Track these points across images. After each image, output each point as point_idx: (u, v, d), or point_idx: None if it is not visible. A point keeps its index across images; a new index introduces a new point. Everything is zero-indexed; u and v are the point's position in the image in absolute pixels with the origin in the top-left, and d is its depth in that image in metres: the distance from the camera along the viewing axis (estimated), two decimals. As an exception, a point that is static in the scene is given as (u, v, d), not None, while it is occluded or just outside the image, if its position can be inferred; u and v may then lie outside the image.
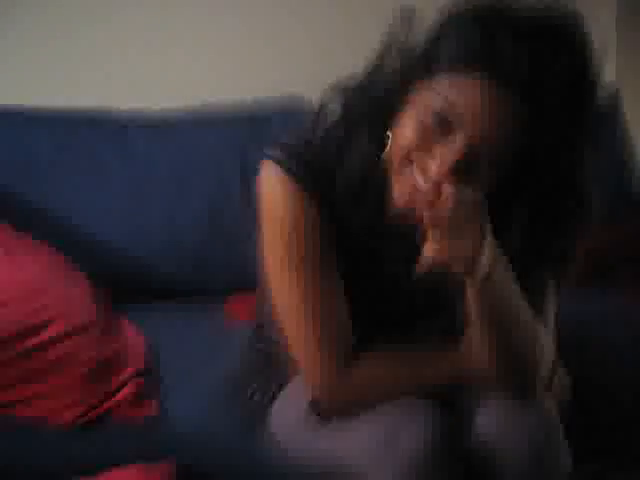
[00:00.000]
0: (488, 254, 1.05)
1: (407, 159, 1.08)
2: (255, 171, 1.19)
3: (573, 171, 1.12)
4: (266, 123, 2.10)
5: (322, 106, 1.21)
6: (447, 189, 1.03)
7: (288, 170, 1.15)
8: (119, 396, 1.37)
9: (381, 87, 1.14)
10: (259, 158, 1.18)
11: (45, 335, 1.44)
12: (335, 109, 1.21)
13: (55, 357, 1.42)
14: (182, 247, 1.96)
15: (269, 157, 1.17)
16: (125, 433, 1.31)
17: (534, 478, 1.11)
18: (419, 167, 1.07)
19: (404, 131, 1.08)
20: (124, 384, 1.40)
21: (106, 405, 1.35)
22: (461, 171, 1.05)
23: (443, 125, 1.04)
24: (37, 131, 1.99)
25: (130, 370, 1.44)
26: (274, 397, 1.33)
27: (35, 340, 1.42)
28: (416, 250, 1.10)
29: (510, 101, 1.02)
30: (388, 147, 1.11)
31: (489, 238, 1.05)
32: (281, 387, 1.33)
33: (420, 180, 1.06)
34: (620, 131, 2.49)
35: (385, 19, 1.16)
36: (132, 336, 1.59)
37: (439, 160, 1.05)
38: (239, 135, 2.08)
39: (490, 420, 1.14)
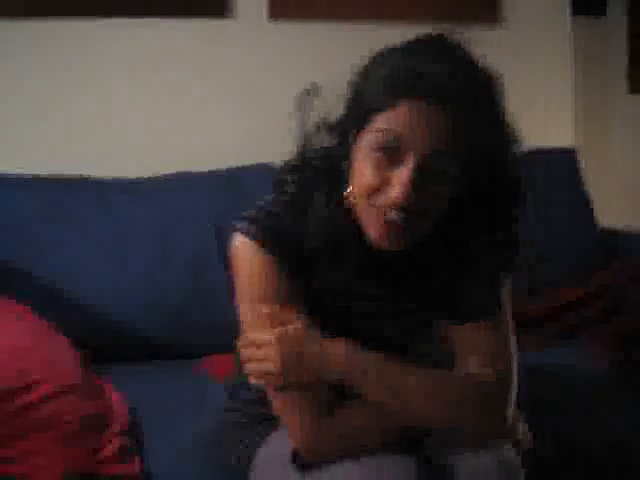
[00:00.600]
0: (333, 364, 1.20)
1: (371, 197, 1.18)
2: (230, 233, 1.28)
3: (505, 170, 1.24)
4: (239, 188, 2.19)
5: (278, 181, 1.33)
6: (267, 339, 1.20)
7: (256, 238, 1.25)
8: (104, 454, 1.40)
9: (322, 154, 1.28)
10: (232, 225, 1.28)
11: (29, 397, 1.46)
12: (291, 181, 1.32)
13: (39, 417, 1.44)
14: (163, 309, 2.01)
15: (239, 228, 1.28)
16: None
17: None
18: (384, 199, 1.16)
19: (361, 174, 1.18)
20: (108, 442, 1.43)
21: (90, 464, 1.38)
22: (420, 188, 1.15)
23: (393, 153, 1.15)
24: (20, 196, 2.04)
25: (114, 429, 1.48)
26: (254, 454, 1.38)
27: (19, 402, 1.44)
28: (382, 307, 1.20)
29: (441, 113, 1.14)
30: (351, 199, 1.22)
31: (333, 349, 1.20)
32: (261, 441, 1.39)
33: (390, 213, 1.16)
34: (580, 191, 2.61)
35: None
36: (114, 397, 1.63)
37: (398, 184, 1.15)
38: (215, 199, 2.16)
39: (458, 465, 1.21)
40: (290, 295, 1.26)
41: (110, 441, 1.44)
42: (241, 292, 1.28)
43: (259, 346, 1.22)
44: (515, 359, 1.28)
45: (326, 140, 1.29)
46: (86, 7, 2.27)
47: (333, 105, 1.27)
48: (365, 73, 1.23)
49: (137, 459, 1.44)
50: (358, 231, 1.23)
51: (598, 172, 2.90)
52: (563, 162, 2.64)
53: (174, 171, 2.22)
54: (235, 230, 1.28)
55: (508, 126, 1.23)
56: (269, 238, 1.25)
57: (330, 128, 1.28)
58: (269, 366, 1.21)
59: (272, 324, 1.22)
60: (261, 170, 2.24)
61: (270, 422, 1.37)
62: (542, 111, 2.81)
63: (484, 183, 1.22)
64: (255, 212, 1.29)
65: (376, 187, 1.17)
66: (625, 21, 3.03)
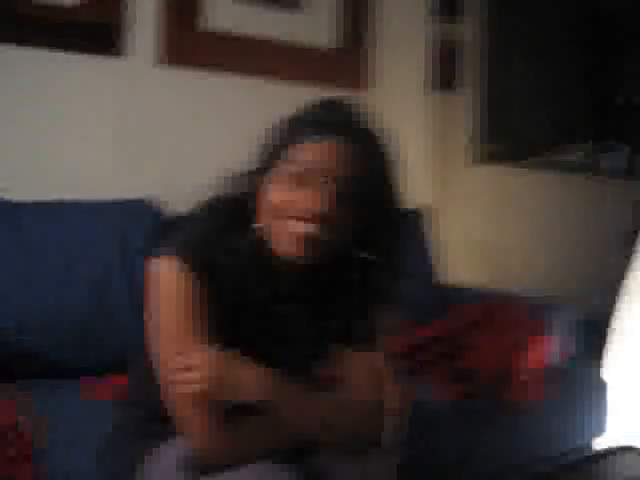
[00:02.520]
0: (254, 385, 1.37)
1: (280, 212, 1.41)
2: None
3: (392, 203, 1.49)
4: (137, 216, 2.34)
5: (194, 210, 1.52)
6: (200, 355, 1.35)
7: (174, 257, 1.42)
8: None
9: (233, 197, 1.49)
10: (155, 249, 1.44)
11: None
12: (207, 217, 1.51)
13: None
14: (67, 325, 2.11)
15: (162, 252, 1.44)
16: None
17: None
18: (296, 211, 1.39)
19: (272, 199, 1.42)
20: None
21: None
22: (325, 203, 1.38)
23: (301, 180, 1.39)
24: None
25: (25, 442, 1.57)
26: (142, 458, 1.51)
27: None
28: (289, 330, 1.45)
29: (342, 149, 1.40)
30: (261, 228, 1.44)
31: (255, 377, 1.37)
32: (146, 454, 1.51)
33: (299, 226, 1.39)
34: (424, 243, 2.91)
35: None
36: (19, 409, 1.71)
37: (306, 197, 1.38)
38: (120, 222, 2.29)
39: (342, 475, 1.42)
40: (207, 314, 1.42)
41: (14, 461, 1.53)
42: (158, 309, 1.43)
43: (186, 369, 1.36)
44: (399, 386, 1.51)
45: (235, 186, 1.51)
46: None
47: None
48: (277, 123, 1.47)
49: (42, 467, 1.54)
50: (266, 262, 1.45)
51: (441, 231, 3.22)
52: (409, 222, 2.94)
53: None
54: (158, 254, 1.43)
55: (393, 170, 1.49)
56: (188, 262, 1.41)
57: (241, 174, 1.50)
58: (195, 387, 1.35)
59: (187, 346, 1.38)
60: (138, 206, 2.39)
61: (155, 438, 1.51)
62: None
63: (375, 214, 1.47)
64: (176, 241, 1.45)
65: (286, 207, 1.40)
66: (474, 98, 3.40)
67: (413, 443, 1.59)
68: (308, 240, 1.39)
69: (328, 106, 1.48)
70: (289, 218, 1.40)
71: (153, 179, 2.56)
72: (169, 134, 2.65)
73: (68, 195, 2.30)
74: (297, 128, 1.44)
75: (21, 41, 2.35)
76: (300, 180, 1.40)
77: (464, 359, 2.35)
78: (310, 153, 1.40)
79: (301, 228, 1.39)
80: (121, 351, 2.00)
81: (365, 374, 1.48)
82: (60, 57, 2.43)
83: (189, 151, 2.67)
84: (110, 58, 2.52)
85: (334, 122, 1.43)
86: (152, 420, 1.53)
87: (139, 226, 2.29)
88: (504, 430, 2.30)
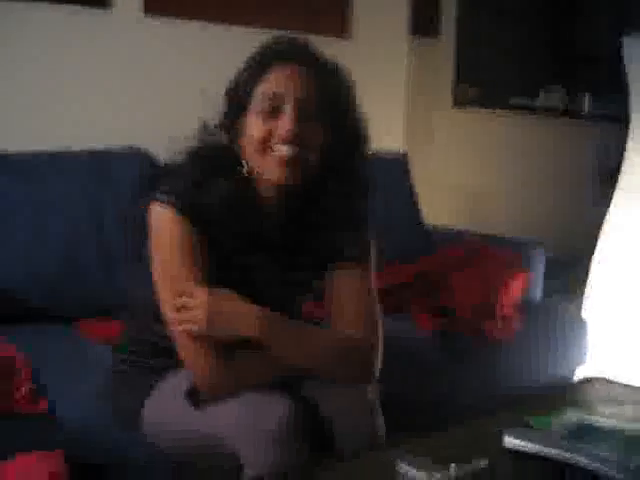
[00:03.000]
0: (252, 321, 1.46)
1: (262, 144, 1.51)
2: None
3: (357, 130, 1.61)
4: (111, 169, 2.38)
5: (179, 158, 1.60)
6: (199, 296, 1.44)
7: (174, 207, 1.50)
8: (16, 396, 1.58)
9: (217, 144, 1.59)
10: (153, 196, 1.52)
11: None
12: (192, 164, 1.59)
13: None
14: (39, 278, 2.17)
15: (158, 199, 1.52)
16: (23, 427, 1.54)
17: (361, 440, 1.50)
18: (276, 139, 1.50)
19: (251, 133, 1.52)
20: (18, 386, 1.61)
21: (5, 404, 1.56)
22: (300, 127, 1.49)
23: (274, 109, 1.50)
24: None
25: (22, 375, 1.65)
26: (144, 397, 1.60)
27: None
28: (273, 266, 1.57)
29: (304, 72, 1.53)
30: (243, 149, 1.54)
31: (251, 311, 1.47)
32: (150, 387, 1.61)
33: (282, 149, 1.50)
34: (409, 186, 3.00)
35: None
36: (10, 350, 1.78)
37: (283, 123, 1.49)
38: (89, 179, 2.33)
39: (331, 403, 1.51)
40: (201, 256, 1.51)
41: (19, 386, 1.61)
42: (159, 253, 1.52)
43: (187, 308, 1.45)
44: (380, 321, 1.60)
45: (218, 135, 1.59)
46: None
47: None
48: (244, 63, 1.58)
49: (44, 401, 1.62)
50: (251, 200, 1.55)
51: (423, 176, 3.30)
52: (395, 165, 3.01)
53: (53, 145, 2.34)
54: (155, 200, 1.52)
55: (352, 93, 1.61)
56: (184, 208, 1.50)
57: (220, 122, 1.58)
58: (196, 326, 1.45)
59: (186, 286, 1.47)
60: (131, 152, 2.45)
61: (157, 373, 1.60)
62: (377, 119, 3.16)
63: (342, 139, 1.57)
64: (169, 187, 1.53)
65: (266, 137, 1.50)
66: (454, 43, 3.46)
67: (395, 377, 1.69)
68: (290, 161, 1.50)
69: (285, 40, 1.59)
70: (271, 147, 1.50)
71: (141, 128, 2.60)
72: (156, 84, 2.69)
73: (57, 145, 2.34)
74: (257, 64, 1.54)
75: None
76: (272, 109, 1.50)
77: (445, 294, 2.45)
78: (274, 83, 1.51)
79: (283, 151, 1.49)
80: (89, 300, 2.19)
81: (352, 297, 1.59)
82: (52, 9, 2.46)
83: (174, 101, 2.69)
84: (97, 10, 2.55)
85: (292, 51, 1.56)
86: (153, 356, 1.62)
87: (133, 174, 2.35)
88: (486, 363, 2.41)
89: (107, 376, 1.71)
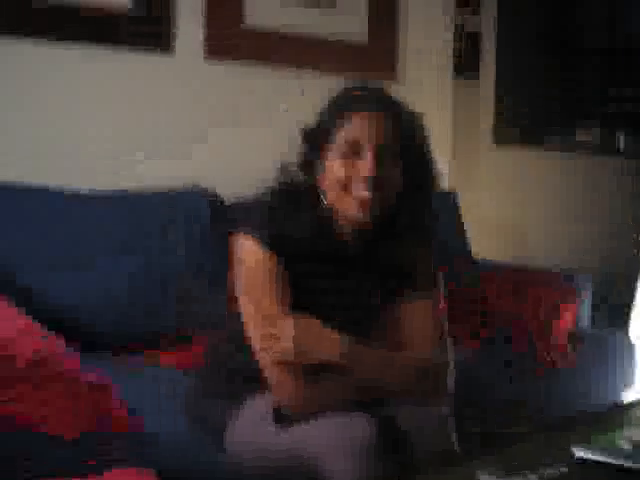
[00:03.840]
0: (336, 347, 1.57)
1: (342, 184, 1.63)
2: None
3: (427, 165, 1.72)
4: (183, 206, 2.53)
5: (264, 194, 1.73)
6: (287, 326, 1.56)
7: (258, 237, 1.63)
8: (113, 414, 1.68)
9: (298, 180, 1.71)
10: (238, 229, 1.65)
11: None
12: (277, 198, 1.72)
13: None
14: (118, 307, 2.30)
15: (244, 231, 1.65)
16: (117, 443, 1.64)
17: (437, 453, 1.59)
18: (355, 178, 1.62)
19: (333, 169, 1.64)
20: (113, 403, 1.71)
21: (104, 422, 1.66)
22: (378, 170, 1.60)
23: (354, 153, 1.62)
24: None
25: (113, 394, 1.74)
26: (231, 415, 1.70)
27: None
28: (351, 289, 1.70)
29: (381, 118, 1.64)
30: (324, 189, 1.66)
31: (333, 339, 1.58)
32: (233, 411, 1.71)
33: (361, 190, 1.61)
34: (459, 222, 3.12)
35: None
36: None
37: (364, 164, 1.60)
38: (161, 218, 2.47)
39: (407, 419, 1.60)
40: (285, 287, 1.63)
41: (112, 405, 1.71)
42: (249, 290, 1.64)
43: (275, 337, 1.57)
44: (449, 340, 1.72)
45: (296, 174, 1.73)
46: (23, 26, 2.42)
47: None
48: (324, 108, 1.70)
49: (139, 420, 1.72)
50: (332, 236, 1.68)
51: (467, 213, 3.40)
52: (446, 202, 3.15)
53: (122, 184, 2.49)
54: (243, 234, 1.65)
55: (425, 137, 1.72)
56: (271, 242, 1.63)
57: (300, 162, 1.71)
58: (285, 355, 1.56)
59: (272, 317, 1.59)
60: (200, 191, 2.60)
61: (238, 397, 1.70)
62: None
63: (416, 178, 1.69)
64: (254, 222, 1.66)
65: (347, 178, 1.62)
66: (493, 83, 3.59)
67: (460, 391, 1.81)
68: (369, 202, 1.62)
69: (359, 88, 1.71)
70: (350, 187, 1.62)
71: (202, 168, 2.73)
72: (217, 125, 2.83)
73: (126, 184, 2.49)
74: (338, 109, 1.66)
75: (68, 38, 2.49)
76: (351, 152, 1.62)
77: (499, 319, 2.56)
78: (355, 129, 1.62)
79: (363, 194, 1.61)
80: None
81: (423, 321, 1.71)
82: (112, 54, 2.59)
83: (236, 142, 2.83)
84: (158, 53, 2.68)
85: (367, 97, 1.67)
86: (232, 382, 1.73)
87: (197, 212, 2.50)
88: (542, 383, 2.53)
89: (189, 402, 1.82)
